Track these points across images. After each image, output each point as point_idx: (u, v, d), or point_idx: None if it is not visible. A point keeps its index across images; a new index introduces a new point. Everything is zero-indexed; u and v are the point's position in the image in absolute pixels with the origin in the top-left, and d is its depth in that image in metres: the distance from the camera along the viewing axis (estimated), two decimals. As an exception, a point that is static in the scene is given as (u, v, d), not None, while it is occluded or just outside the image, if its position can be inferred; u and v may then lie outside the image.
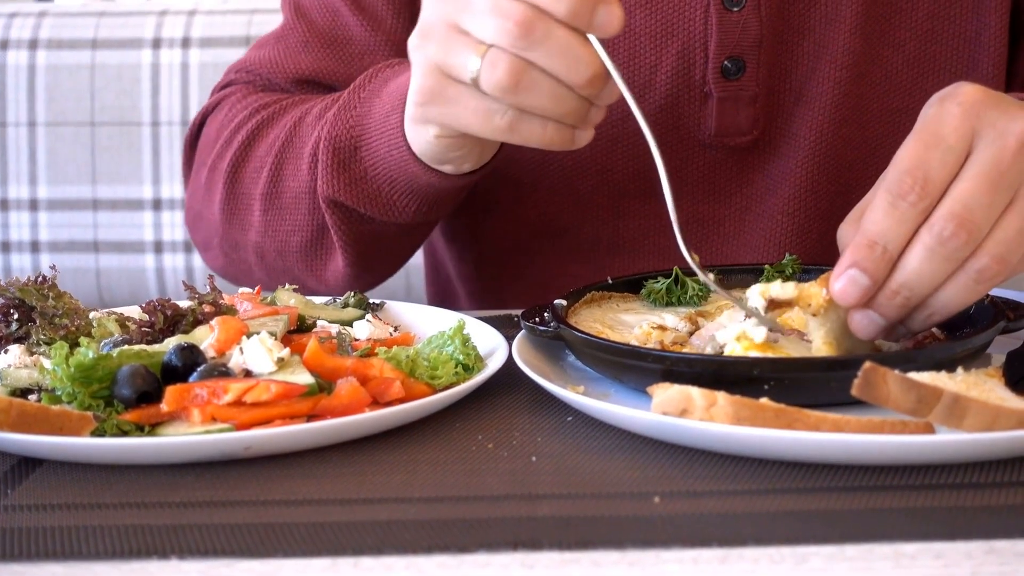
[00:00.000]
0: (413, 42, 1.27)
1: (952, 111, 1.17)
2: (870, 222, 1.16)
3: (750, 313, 1.21)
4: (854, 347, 1.20)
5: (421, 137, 1.37)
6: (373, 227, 1.55)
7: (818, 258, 1.64)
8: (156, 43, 2.49)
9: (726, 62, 1.60)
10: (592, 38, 1.19)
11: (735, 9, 1.59)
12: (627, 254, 1.70)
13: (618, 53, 1.63)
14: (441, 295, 1.96)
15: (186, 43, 2.48)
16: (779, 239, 1.68)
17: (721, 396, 1.05)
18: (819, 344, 1.18)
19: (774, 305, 1.19)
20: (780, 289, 1.19)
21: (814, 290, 1.18)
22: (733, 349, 1.18)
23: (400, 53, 1.68)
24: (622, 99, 1.60)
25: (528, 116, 1.23)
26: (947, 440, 1.01)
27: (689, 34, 1.61)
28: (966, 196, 1.14)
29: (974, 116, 1.17)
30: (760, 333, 1.18)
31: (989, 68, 1.66)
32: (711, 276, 1.27)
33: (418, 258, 2.00)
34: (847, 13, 1.63)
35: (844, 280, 1.16)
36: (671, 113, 1.63)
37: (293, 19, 1.75)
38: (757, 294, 1.19)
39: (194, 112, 2.39)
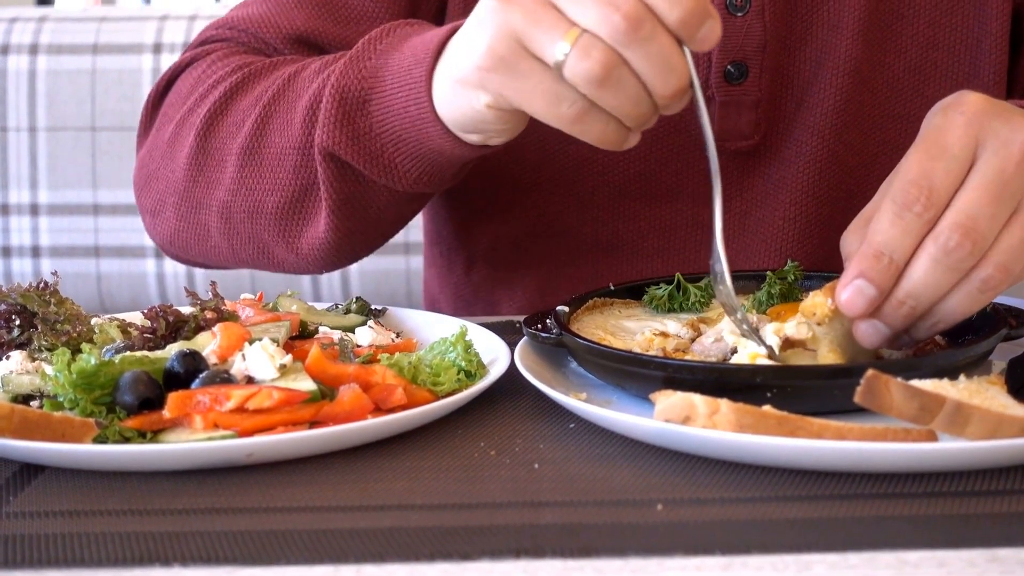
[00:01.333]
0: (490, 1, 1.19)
1: (956, 120, 1.18)
2: (876, 232, 1.16)
3: (746, 334, 1.21)
4: (858, 355, 1.20)
5: (466, 101, 1.26)
6: (366, 190, 1.44)
7: (819, 263, 1.65)
8: (157, 48, 2.49)
9: (729, 67, 1.61)
10: (686, 50, 1.16)
11: (739, 14, 1.60)
12: (626, 255, 1.70)
13: None
14: (432, 300, 1.94)
15: (187, 48, 2.48)
16: (780, 244, 1.68)
17: (724, 403, 1.05)
18: (824, 352, 1.18)
19: (788, 344, 1.19)
20: (795, 330, 1.19)
21: (819, 299, 1.18)
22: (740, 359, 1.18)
23: (399, 18, 1.61)
24: None
25: (597, 111, 1.18)
26: (950, 448, 1.01)
27: None
28: (970, 206, 1.14)
29: (977, 126, 1.17)
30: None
31: (990, 75, 1.66)
32: (742, 307, 1.25)
33: (418, 263, 2.00)
34: (850, 19, 1.63)
35: (851, 290, 1.16)
36: (673, 116, 1.61)
37: None
38: (771, 332, 1.20)
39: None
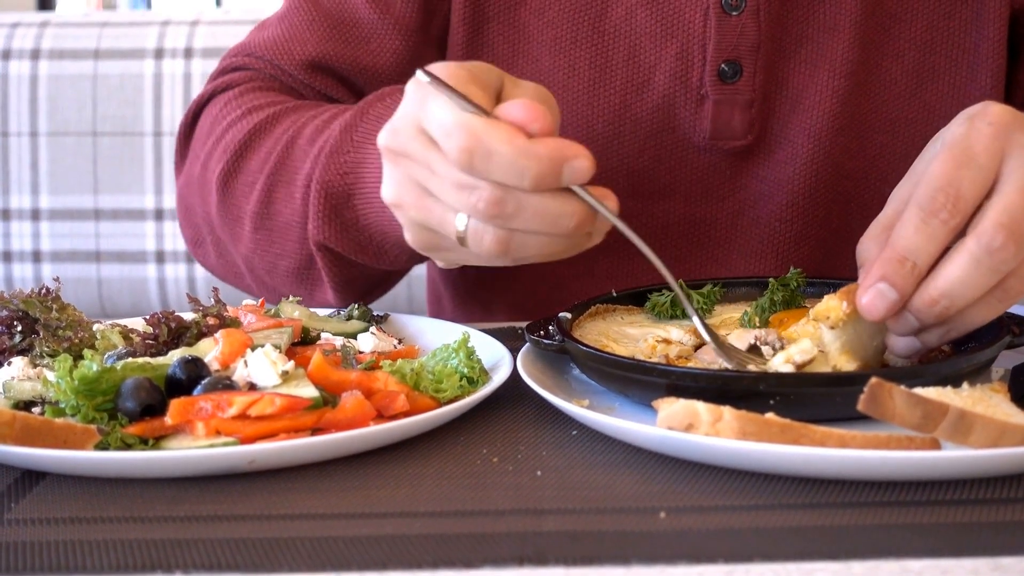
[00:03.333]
0: (387, 197, 1.23)
1: (983, 130, 1.18)
2: (900, 237, 1.16)
3: (722, 353, 1.23)
4: (871, 359, 1.21)
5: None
6: (363, 269, 1.53)
7: (816, 266, 1.66)
8: (158, 53, 2.49)
9: (723, 65, 1.61)
10: (578, 189, 1.15)
11: (734, 13, 1.60)
12: (621, 254, 1.69)
13: (618, 51, 1.64)
14: (435, 308, 1.95)
15: (188, 53, 2.48)
16: (776, 246, 1.68)
17: (727, 411, 1.05)
18: (835, 354, 1.18)
19: (801, 365, 1.19)
20: (800, 354, 1.19)
21: (832, 303, 1.18)
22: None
23: (409, 38, 1.68)
24: (622, 91, 1.60)
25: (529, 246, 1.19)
26: (953, 456, 1.01)
27: (688, 36, 1.62)
28: (1011, 209, 1.14)
29: (1004, 136, 1.17)
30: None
31: (988, 79, 1.67)
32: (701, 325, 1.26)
33: (419, 268, 2.00)
34: (846, 22, 1.63)
35: (872, 294, 1.16)
36: (667, 114, 1.64)
37: (299, 0, 1.72)
38: (782, 361, 1.19)
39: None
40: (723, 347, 1.23)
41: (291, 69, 1.69)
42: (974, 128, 1.18)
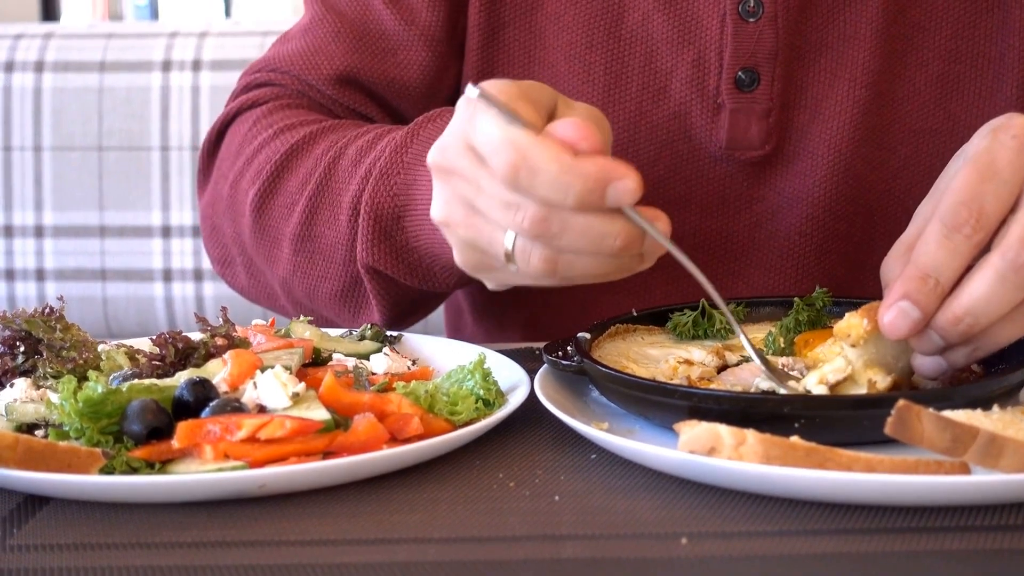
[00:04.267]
0: (437, 216, 1.22)
1: (1007, 144, 1.17)
2: (922, 254, 1.15)
3: (767, 365, 1.21)
4: (900, 377, 1.20)
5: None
6: (412, 292, 1.54)
7: (839, 279, 1.65)
8: (166, 65, 2.48)
9: (740, 73, 1.60)
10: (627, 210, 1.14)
11: (751, 20, 1.60)
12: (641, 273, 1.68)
13: (635, 57, 1.64)
14: (454, 321, 1.95)
15: (197, 65, 2.48)
16: (796, 259, 1.67)
17: (750, 434, 1.03)
18: (862, 370, 1.17)
19: (835, 385, 1.18)
20: (834, 373, 1.18)
21: (854, 321, 1.17)
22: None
23: (435, 49, 1.68)
24: (638, 98, 1.59)
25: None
26: (983, 481, 1.00)
27: (705, 43, 1.62)
28: None
29: None
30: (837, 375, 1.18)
31: (1014, 89, 1.66)
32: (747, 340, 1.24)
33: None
34: (867, 31, 1.62)
35: (894, 312, 1.15)
36: (683, 122, 1.64)
37: (321, 11, 1.71)
38: (816, 382, 1.18)
39: (204, 136, 2.38)
40: (771, 368, 1.22)
41: (318, 84, 1.69)
42: (997, 141, 1.17)
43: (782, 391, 1.19)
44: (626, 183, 1.11)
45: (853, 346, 1.17)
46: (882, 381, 1.16)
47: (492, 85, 1.16)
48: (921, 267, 1.14)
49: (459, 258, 1.24)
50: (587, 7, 1.65)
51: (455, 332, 1.94)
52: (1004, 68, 1.65)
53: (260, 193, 1.60)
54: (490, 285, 1.29)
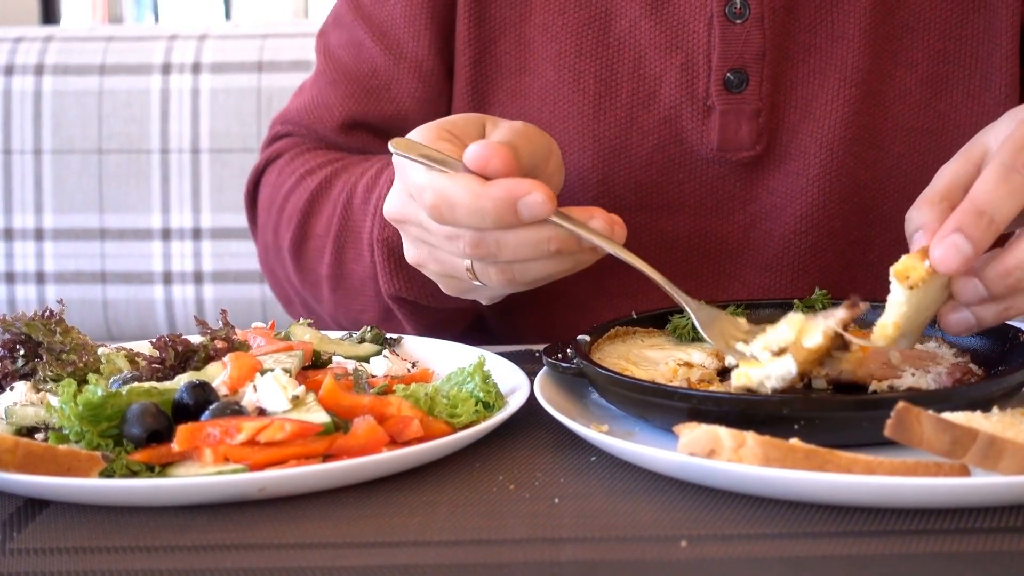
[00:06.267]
0: (410, 260, 1.38)
1: None
2: (980, 192, 1.15)
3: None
4: (915, 334, 1.20)
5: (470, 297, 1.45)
6: (438, 312, 1.62)
7: (836, 276, 1.65)
8: (166, 68, 2.48)
9: (728, 74, 1.61)
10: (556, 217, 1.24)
11: (738, 22, 1.60)
12: (625, 269, 1.68)
13: (624, 63, 1.65)
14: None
15: (197, 68, 2.48)
16: (791, 259, 1.67)
17: (750, 436, 1.03)
18: (887, 322, 1.16)
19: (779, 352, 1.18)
20: (778, 343, 1.18)
21: (913, 261, 1.15)
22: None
23: (425, 79, 1.74)
24: (628, 103, 1.61)
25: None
26: (983, 483, 0.99)
27: (693, 46, 1.62)
28: None
29: None
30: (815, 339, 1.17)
31: (1002, 88, 1.67)
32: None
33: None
34: (855, 31, 1.63)
35: (946, 246, 1.14)
36: (674, 125, 1.64)
37: (323, 62, 1.81)
38: (760, 348, 1.19)
39: (204, 138, 2.39)
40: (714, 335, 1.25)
41: (326, 133, 1.80)
42: None
43: (730, 360, 1.22)
44: (533, 197, 1.22)
45: (911, 288, 1.14)
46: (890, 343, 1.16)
47: (416, 132, 1.32)
48: (978, 203, 1.14)
49: (444, 288, 1.40)
50: (575, 16, 1.66)
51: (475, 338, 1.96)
52: (992, 68, 1.66)
53: (293, 240, 1.73)
54: (483, 301, 1.43)
